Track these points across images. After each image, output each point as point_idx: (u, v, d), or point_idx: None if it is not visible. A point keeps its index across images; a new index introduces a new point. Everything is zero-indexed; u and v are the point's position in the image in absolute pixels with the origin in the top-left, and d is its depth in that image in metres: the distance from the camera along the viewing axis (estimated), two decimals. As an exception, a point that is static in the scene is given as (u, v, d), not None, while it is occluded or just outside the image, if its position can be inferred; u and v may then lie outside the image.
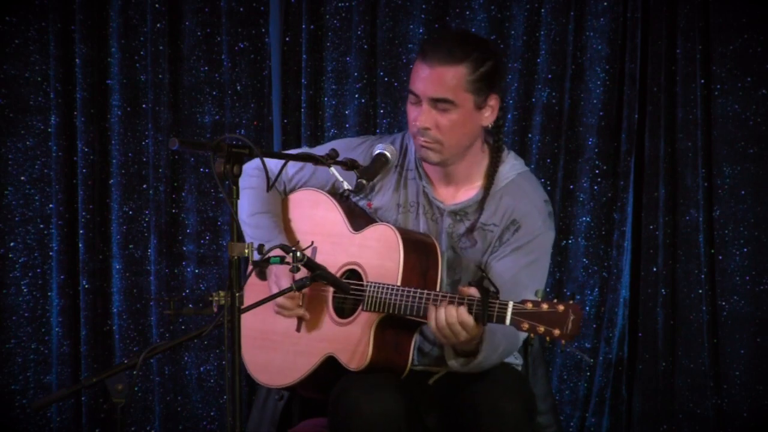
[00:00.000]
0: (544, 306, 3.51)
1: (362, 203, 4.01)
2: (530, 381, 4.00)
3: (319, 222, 3.98)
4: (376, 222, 3.92)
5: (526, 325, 3.53)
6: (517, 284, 3.74)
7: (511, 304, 3.54)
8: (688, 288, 5.25)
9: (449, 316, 3.62)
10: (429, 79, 3.82)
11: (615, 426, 5.35)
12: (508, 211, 3.90)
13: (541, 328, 3.51)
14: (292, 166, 4.04)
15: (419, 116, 3.83)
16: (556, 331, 3.50)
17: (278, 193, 4.07)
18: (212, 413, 5.51)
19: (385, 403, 3.68)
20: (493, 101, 3.87)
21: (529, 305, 3.52)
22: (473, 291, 3.61)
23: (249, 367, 3.98)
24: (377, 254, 3.84)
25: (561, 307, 3.50)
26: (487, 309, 3.54)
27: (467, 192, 3.96)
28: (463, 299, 3.62)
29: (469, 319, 3.61)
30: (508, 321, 3.54)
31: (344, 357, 3.80)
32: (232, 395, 3.26)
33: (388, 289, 3.76)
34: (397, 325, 3.79)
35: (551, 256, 3.96)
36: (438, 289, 3.79)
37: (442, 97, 3.82)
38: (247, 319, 3.75)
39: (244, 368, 3.97)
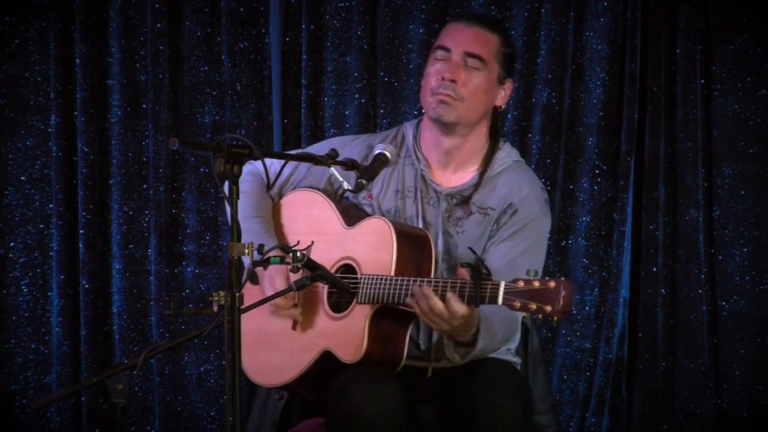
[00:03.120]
0: (536, 284, 3.50)
1: (362, 195, 4.01)
2: (530, 381, 4.00)
3: (314, 222, 3.98)
4: (369, 216, 3.93)
5: (518, 304, 3.52)
6: (513, 270, 3.73)
7: (502, 284, 3.53)
8: (688, 288, 5.25)
9: (435, 304, 3.62)
10: (466, 34, 3.90)
11: (615, 426, 5.35)
12: (506, 194, 3.93)
13: (533, 306, 3.50)
14: (287, 167, 4.04)
15: (448, 68, 3.88)
16: (548, 308, 3.49)
17: (270, 197, 4.07)
18: (212, 413, 5.51)
19: (384, 400, 3.67)
20: (509, 85, 3.97)
21: (521, 284, 3.52)
22: (464, 273, 3.61)
23: (246, 368, 3.96)
24: (371, 247, 3.84)
25: (552, 284, 3.49)
26: (479, 290, 3.54)
27: (464, 176, 3.98)
28: (456, 285, 3.62)
29: (456, 306, 3.59)
30: (500, 300, 3.52)
31: (340, 350, 3.80)
32: (232, 395, 3.26)
33: (381, 280, 3.76)
34: (392, 317, 3.79)
35: (548, 249, 3.97)
36: None
37: (476, 53, 3.89)
38: (242, 322, 3.75)
39: (242, 370, 3.96)
